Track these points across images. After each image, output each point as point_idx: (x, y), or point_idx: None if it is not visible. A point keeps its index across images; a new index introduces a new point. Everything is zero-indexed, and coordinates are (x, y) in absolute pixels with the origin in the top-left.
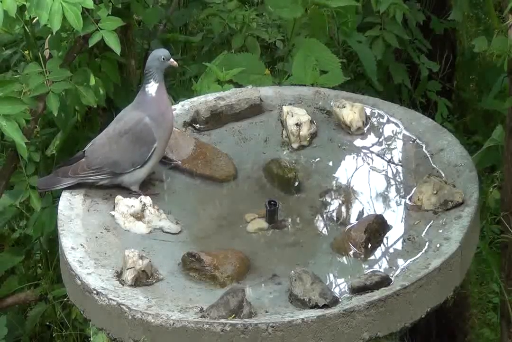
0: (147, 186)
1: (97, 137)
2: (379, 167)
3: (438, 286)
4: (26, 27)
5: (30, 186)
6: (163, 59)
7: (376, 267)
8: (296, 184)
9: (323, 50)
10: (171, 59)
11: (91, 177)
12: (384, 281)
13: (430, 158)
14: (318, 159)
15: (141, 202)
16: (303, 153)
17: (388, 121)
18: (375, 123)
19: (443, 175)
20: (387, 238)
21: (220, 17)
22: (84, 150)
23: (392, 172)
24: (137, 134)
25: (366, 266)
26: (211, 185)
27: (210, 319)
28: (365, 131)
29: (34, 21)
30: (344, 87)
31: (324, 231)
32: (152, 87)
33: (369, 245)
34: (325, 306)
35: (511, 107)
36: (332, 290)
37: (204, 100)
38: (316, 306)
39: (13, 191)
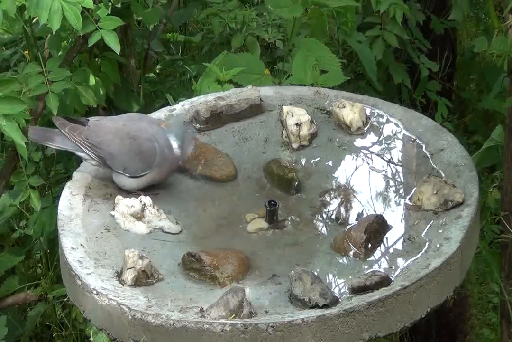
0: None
1: (106, 118)
2: (379, 167)
3: (438, 286)
4: (25, 27)
5: (30, 185)
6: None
7: (376, 267)
8: (296, 184)
9: (323, 50)
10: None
11: (84, 149)
12: (384, 281)
13: (430, 158)
14: (318, 159)
15: (141, 202)
16: (303, 153)
17: (388, 121)
18: (375, 123)
19: (443, 175)
20: (387, 238)
21: (220, 17)
22: (88, 120)
23: (392, 172)
24: (141, 147)
25: (366, 266)
26: (211, 185)
27: (210, 319)
28: (365, 131)
29: (34, 20)
30: (344, 87)
31: (324, 231)
32: (174, 145)
33: (369, 245)
34: (325, 306)
35: (511, 107)
36: (332, 290)
37: (204, 100)
38: (316, 306)
39: (13, 190)
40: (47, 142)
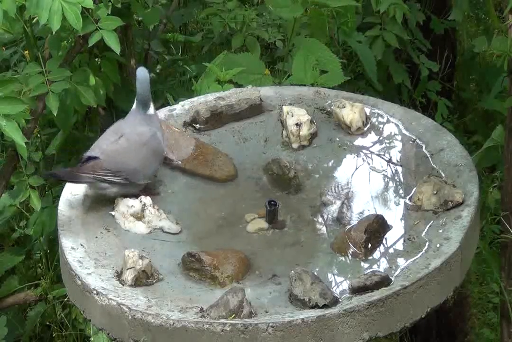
0: (147, 186)
1: (105, 145)
2: (379, 168)
3: (438, 286)
4: (25, 27)
5: (30, 185)
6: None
7: (376, 267)
8: (296, 184)
9: (323, 50)
10: None
11: (107, 178)
12: (384, 281)
13: (430, 158)
14: (318, 159)
15: (141, 202)
16: (303, 153)
17: (388, 121)
18: (375, 123)
19: (443, 175)
20: (387, 238)
21: (220, 16)
22: (88, 155)
23: (392, 172)
24: (154, 147)
25: (366, 266)
26: (211, 185)
27: (210, 319)
28: (365, 131)
29: (34, 21)
30: (344, 87)
31: (324, 231)
32: (151, 109)
33: (369, 245)
34: (325, 306)
35: (511, 107)
36: (332, 290)
37: (204, 100)
38: (316, 306)
39: (13, 190)
40: (76, 181)
